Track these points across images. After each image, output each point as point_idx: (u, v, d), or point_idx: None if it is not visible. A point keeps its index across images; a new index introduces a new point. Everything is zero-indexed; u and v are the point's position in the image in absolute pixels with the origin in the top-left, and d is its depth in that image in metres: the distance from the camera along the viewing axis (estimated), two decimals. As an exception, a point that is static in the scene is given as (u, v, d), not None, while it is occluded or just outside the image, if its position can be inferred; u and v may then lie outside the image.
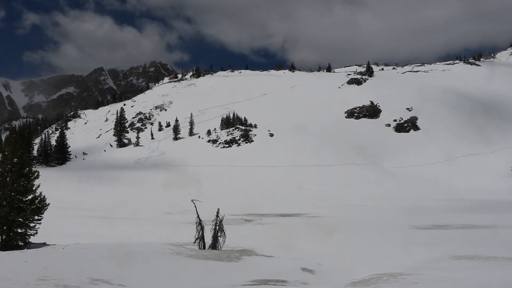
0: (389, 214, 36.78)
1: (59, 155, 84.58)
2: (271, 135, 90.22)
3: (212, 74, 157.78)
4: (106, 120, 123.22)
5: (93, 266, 13.19)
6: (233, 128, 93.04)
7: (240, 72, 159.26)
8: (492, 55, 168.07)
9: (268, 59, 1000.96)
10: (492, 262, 15.59)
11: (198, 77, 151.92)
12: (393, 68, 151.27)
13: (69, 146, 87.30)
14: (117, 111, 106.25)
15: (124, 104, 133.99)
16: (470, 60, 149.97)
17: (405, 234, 24.81)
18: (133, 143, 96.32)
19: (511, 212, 37.26)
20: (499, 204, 44.77)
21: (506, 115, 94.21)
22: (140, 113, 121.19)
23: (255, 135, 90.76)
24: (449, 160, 78.34)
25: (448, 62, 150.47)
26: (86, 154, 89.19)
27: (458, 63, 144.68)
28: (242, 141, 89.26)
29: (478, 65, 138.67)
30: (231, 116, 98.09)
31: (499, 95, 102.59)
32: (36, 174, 17.82)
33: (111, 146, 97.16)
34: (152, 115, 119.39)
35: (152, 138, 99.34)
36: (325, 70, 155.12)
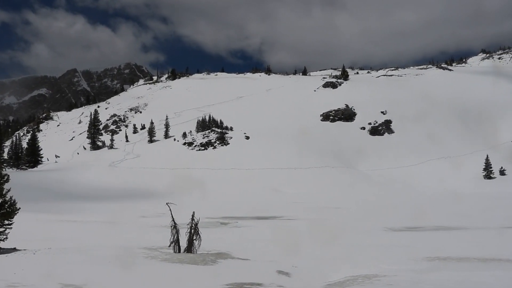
0: (364, 216, 37.12)
1: (30, 158, 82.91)
2: (247, 137, 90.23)
3: (188, 76, 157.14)
4: (80, 122, 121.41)
5: (65, 271, 12.91)
6: (209, 130, 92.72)
7: (216, 75, 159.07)
8: (464, 60, 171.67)
9: (245, 61, 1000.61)
10: (465, 263, 15.83)
11: (173, 79, 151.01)
12: (368, 72, 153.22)
13: (41, 149, 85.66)
14: (91, 113, 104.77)
15: (98, 106, 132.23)
16: (442, 65, 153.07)
17: (380, 236, 25.04)
18: (107, 146, 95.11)
19: (483, 213, 37.99)
20: (471, 206, 45.64)
21: (478, 119, 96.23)
22: (114, 115, 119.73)
23: (231, 137, 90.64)
24: (422, 162, 79.68)
25: (422, 66, 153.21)
26: (59, 156, 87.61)
27: (431, 67, 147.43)
28: (218, 143, 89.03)
29: (450, 69, 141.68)
30: (207, 118, 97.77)
31: (471, 100, 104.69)
32: (6, 177, 17.36)
33: (85, 148, 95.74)
34: (127, 117, 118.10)
35: (127, 141, 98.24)
36: (301, 74, 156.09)
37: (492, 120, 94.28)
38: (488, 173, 70.85)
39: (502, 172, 71.29)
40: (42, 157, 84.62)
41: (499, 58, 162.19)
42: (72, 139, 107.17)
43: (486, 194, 56.79)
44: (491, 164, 70.96)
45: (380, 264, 15.62)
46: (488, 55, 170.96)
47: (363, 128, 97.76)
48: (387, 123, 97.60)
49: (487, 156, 71.76)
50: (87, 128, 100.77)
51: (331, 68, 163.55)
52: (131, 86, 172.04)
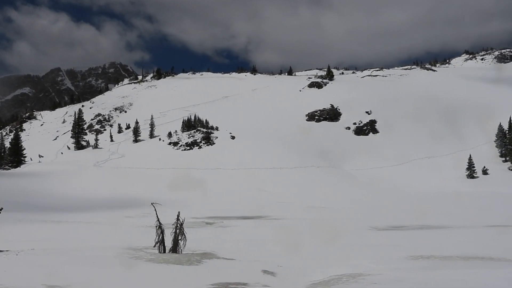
0: (349, 216, 37.33)
1: (13, 158, 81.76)
2: (233, 137, 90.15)
3: (173, 76, 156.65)
4: (64, 121, 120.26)
5: (49, 272, 12.78)
6: (195, 130, 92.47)
7: (202, 74, 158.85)
8: (448, 61, 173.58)
9: (231, 60, 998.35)
10: (448, 261, 16.00)
11: (159, 78, 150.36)
12: (353, 72, 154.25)
13: (24, 149, 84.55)
14: (75, 113, 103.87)
15: (83, 106, 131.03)
16: (426, 66, 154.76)
17: (365, 235, 25.21)
18: (92, 146, 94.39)
19: (466, 213, 38.46)
20: (454, 205, 46.17)
21: (461, 120, 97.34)
22: (99, 114, 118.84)
23: (217, 137, 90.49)
24: (407, 162, 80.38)
25: (406, 67, 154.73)
26: (42, 156, 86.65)
27: (415, 68, 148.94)
28: (203, 143, 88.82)
29: (434, 70, 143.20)
30: (193, 118, 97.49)
31: (454, 100, 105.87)
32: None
33: (69, 148, 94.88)
34: (112, 117, 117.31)
35: (112, 141, 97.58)
36: (286, 74, 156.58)
37: (475, 120, 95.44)
38: (471, 172, 71.71)
39: (484, 172, 72.21)
40: (25, 157, 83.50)
41: (482, 59, 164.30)
42: (56, 139, 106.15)
43: (469, 194, 57.50)
44: (474, 164, 71.84)
45: (365, 263, 15.72)
46: (471, 56, 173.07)
47: (348, 128, 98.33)
48: (372, 123, 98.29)
49: (470, 156, 72.64)
50: (71, 128, 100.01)
51: (317, 68, 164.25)
52: (116, 86, 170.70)
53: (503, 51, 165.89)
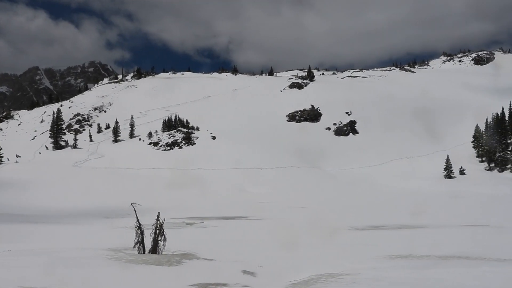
0: (329, 216, 37.57)
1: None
2: (213, 137, 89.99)
3: (153, 75, 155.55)
4: (42, 121, 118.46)
5: (25, 274, 12.60)
6: (175, 130, 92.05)
7: (183, 74, 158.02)
8: (426, 62, 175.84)
9: (212, 60, 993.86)
10: (425, 260, 16.24)
11: (139, 78, 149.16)
12: (333, 73, 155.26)
13: (1, 148, 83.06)
14: (53, 112, 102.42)
15: (61, 105, 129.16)
16: (405, 67, 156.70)
17: (344, 235, 25.40)
18: (71, 145, 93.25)
19: (443, 212, 39.03)
20: (432, 204, 46.77)
21: (439, 120, 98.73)
22: (78, 114, 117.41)
23: (197, 137, 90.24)
24: (386, 162, 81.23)
25: (385, 68, 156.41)
26: (20, 156, 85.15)
27: (394, 69, 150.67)
28: (184, 143, 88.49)
29: (413, 72, 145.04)
30: (173, 118, 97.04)
31: (432, 101, 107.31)
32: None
33: (47, 148, 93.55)
34: (91, 116, 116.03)
35: (91, 140, 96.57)
36: (267, 74, 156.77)
37: (453, 121, 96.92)
38: (448, 172, 72.76)
39: (461, 172, 73.34)
40: (2, 156, 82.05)
41: (460, 61, 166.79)
42: (33, 139, 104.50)
43: (446, 193, 58.33)
44: (451, 164, 72.91)
45: (344, 263, 15.86)
46: (449, 57, 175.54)
47: (328, 129, 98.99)
48: (352, 123, 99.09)
49: (448, 156, 73.71)
50: (49, 128, 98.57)
51: (297, 69, 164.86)
52: (96, 85, 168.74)
53: (480, 53, 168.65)
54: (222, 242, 22.35)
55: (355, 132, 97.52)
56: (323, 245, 21.23)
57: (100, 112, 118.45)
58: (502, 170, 73.39)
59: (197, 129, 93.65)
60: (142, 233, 17.25)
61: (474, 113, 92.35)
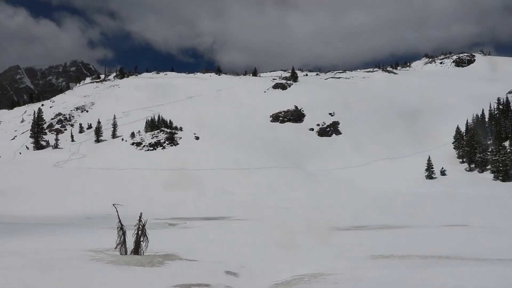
0: (312, 216, 37.71)
1: (-32, 157, 79.03)
2: (197, 138, 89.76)
3: (136, 75, 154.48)
4: (22, 121, 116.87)
5: (4, 276, 12.44)
6: (158, 130, 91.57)
7: (166, 74, 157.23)
8: (408, 64, 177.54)
9: (196, 59, 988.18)
10: (407, 260, 16.42)
11: (122, 78, 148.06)
12: (317, 74, 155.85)
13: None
14: (34, 112, 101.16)
15: (42, 105, 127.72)
16: (388, 69, 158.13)
17: (326, 235, 25.53)
18: (52, 146, 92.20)
19: (425, 212, 39.44)
20: (413, 205, 47.26)
21: (421, 122, 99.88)
22: (59, 114, 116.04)
23: (181, 138, 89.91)
24: (368, 163, 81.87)
25: (368, 69, 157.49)
26: (0, 156, 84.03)
27: (377, 70, 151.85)
28: (167, 144, 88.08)
29: (395, 73, 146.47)
30: (156, 118, 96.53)
31: (414, 102, 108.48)
32: None
33: (28, 148, 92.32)
34: (73, 116, 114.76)
35: (72, 141, 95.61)
36: (251, 74, 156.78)
37: (434, 122, 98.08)
38: (430, 173, 73.58)
39: (442, 173, 74.23)
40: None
41: (441, 63, 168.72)
42: (14, 138, 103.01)
43: (428, 194, 58.96)
44: (432, 165, 73.73)
45: (326, 263, 15.95)
46: (430, 59, 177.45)
47: (312, 129, 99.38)
48: (335, 124, 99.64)
49: (429, 157, 74.53)
50: (30, 127, 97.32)
51: (281, 70, 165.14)
52: (78, 85, 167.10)
53: (461, 55, 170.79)
54: (205, 243, 22.31)
55: (338, 133, 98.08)
56: (305, 245, 21.32)
57: (82, 112, 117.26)
58: (482, 171, 74.44)
59: (181, 129, 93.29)
60: (124, 234, 17.13)
61: (456, 114, 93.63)
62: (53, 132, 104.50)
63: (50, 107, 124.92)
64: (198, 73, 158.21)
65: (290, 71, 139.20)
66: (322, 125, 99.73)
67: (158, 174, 71.68)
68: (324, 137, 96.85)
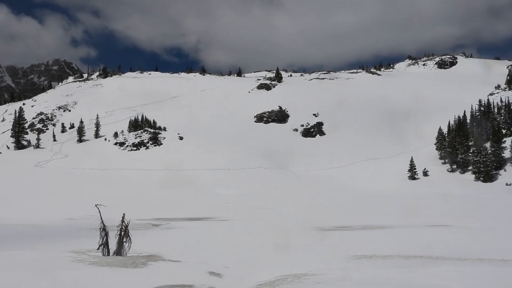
0: (296, 217, 37.77)
1: None
2: (181, 138, 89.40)
3: (120, 74, 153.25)
4: (3, 120, 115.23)
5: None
6: (142, 130, 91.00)
7: (150, 74, 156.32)
8: (392, 65, 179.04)
9: (181, 59, 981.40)
10: (389, 260, 16.53)
11: (105, 77, 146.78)
12: (301, 75, 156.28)
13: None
14: (15, 111, 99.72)
15: (24, 104, 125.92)
16: (372, 70, 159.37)
17: (310, 236, 25.60)
18: (33, 145, 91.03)
19: (407, 213, 39.77)
20: (396, 205, 47.63)
21: (404, 122, 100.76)
22: (41, 113, 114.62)
23: (164, 138, 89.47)
24: (352, 164, 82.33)
25: (352, 70, 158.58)
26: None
27: (361, 72, 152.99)
28: (150, 144, 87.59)
29: (379, 74, 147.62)
30: (140, 118, 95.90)
31: (397, 103, 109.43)
32: None
33: (8, 148, 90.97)
34: (55, 115, 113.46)
35: (54, 140, 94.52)
36: (235, 75, 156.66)
37: (417, 123, 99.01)
38: (412, 174, 74.27)
39: (425, 173, 74.98)
40: (-40, 156, 79.48)
41: (424, 65, 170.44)
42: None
43: (410, 194, 59.45)
44: (415, 166, 74.45)
45: (310, 263, 15.99)
46: (414, 61, 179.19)
47: (296, 130, 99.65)
48: (319, 125, 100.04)
49: (412, 158, 75.23)
50: (11, 127, 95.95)
51: (266, 70, 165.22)
52: (60, 84, 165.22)
53: (443, 57, 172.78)
54: (189, 243, 22.19)
55: (322, 133, 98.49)
56: (290, 245, 21.33)
57: (64, 111, 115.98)
58: (463, 171, 75.37)
59: (164, 129, 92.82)
60: (106, 234, 16.96)
61: (438, 115, 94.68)
62: (34, 131, 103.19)
63: (32, 106, 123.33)
64: (183, 73, 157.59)
65: (274, 71, 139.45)
66: (306, 126, 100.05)
67: (141, 174, 71.24)
68: (308, 138, 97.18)
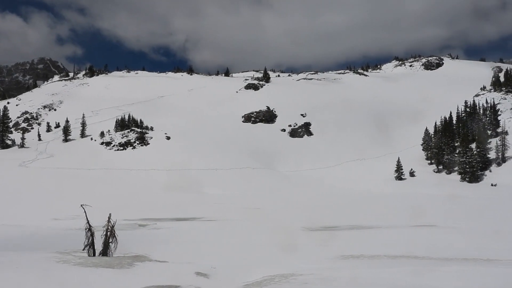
0: (283, 217, 37.75)
1: None
2: (168, 138, 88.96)
3: (106, 73, 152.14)
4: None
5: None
6: (128, 130, 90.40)
7: (137, 73, 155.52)
8: (379, 66, 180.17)
9: (168, 58, 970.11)
10: (376, 260, 16.57)
11: (91, 76, 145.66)
12: (289, 75, 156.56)
13: None
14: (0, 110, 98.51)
15: (8, 103, 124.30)
16: (359, 70, 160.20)
17: (298, 236, 25.57)
18: (18, 145, 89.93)
19: (394, 213, 39.98)
20: (383, 205, 47.88)
21: (391, 123, 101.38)
22: (26, 112, 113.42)
23: (151, 138, 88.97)
24: (339, 164, 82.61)
25: (340, 71, 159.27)
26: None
27: (348, 72, 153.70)
28: (137, 143, 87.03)
29: (366, 75, 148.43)
30: (126, 118, 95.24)
31: (384, 104, 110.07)
32: None
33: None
34: (40, 115, 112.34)
35: (40, 140, 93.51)
36: (223, 74, 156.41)
37: (403, 123, 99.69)
38: (399, 174, 74.75)
39: (411, 174, 75.52)
40: None
41: (411, 66, 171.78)
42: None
43: (397, 194, 59.85)
44: (402, 166, 74.95)
45: (297, 263, 15.95)
46: (400, 62, 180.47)
47: (284, 130, 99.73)
48: (307, 125, 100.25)
49: (399, 158, 75.73)
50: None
51: (253, 70, 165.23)
52: (45, 82, 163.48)
53: (430, 58, 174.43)
54: (176, 244, 22.04)
55: (309, 134, 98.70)
56: (277, 245, 21.28)
57: (50, 110, 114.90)
58: (449, 172, 76.02)
59: (151, 129, 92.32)
60: (92, 235, 16.77)
61: (425, 116, 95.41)
62: (19, 131, 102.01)
63: (17, 105, 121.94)
64: (170, 73, 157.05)
65: (262, 71, 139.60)
66: (294, 126, 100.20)
67: (128, 174, 70.78)
68: (296, 138, 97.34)
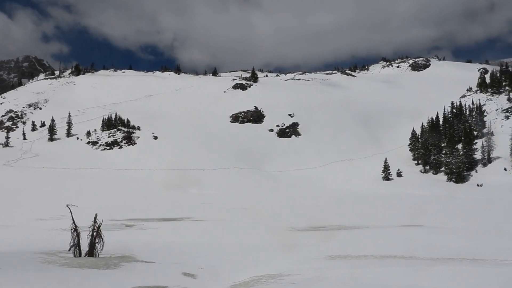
0: (270, 217, 37.69)
1: None
2: (155, 137, 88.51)
3: (93, 72, 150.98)
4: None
5: None
6: (115, 129, 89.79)
7: (124, 72, 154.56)
8: (366, 67, 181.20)
9: (156, 57, 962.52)
10: (363, 260, 16.55)
11: (77, 75, 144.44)
12: (277, 75, 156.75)
13: None
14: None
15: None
16: (346, 71, 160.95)
17: (285, 236, 25.51)
18: (2, 144, 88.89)
19: (381, 213, 40.13)
20: (370, 205, 48.06)
21: (378, 124, 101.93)
22: (10, 111, 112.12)
23: (138, 137, 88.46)
24: (327, 164, 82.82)
25: (327, 72, 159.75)
26: None
27: (336, 73, 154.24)
28: (124, 143, 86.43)
29: (354, 76, 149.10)
30: (113, 117, 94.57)
31: (372, 105, 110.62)
32: None
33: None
34: (25, 113, 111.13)
35: (24, 139, 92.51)
36: (211, 74, 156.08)
37: (391, 124, 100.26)
38: (386, 175, 75.10)
39: (398, 174, 75.92)
40: None
41: (398, 67, 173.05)
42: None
43: (384, 195, 60.15)
44: (389, 167, 75.31)
45: (285, 263, 15.88)
46: (388, 63, 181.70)
47: (271, 130, 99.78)
48: (294, 125, 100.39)
49: (386, 159, 76.08)
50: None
51: (241, 70, 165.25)
52: (31, 81, 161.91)
53: (417, 59, 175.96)
54: (163, 244, 21.84)
55: (297, 134, 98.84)
56: (264, 246, 21.21)
57: (35, 109, 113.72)
58: (436, 172, 76.58)
59: (138, 128, 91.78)
60: (78, 235, 16.52)
61: (412, 117, 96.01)
62: (3, 129, 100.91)
63: (1, 103, 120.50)
64: (157, 72, 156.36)
65: (250, 71, 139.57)
66: (282, 126, 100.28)
67: (114, 174, 70.25)
68: (284, 138, 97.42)
